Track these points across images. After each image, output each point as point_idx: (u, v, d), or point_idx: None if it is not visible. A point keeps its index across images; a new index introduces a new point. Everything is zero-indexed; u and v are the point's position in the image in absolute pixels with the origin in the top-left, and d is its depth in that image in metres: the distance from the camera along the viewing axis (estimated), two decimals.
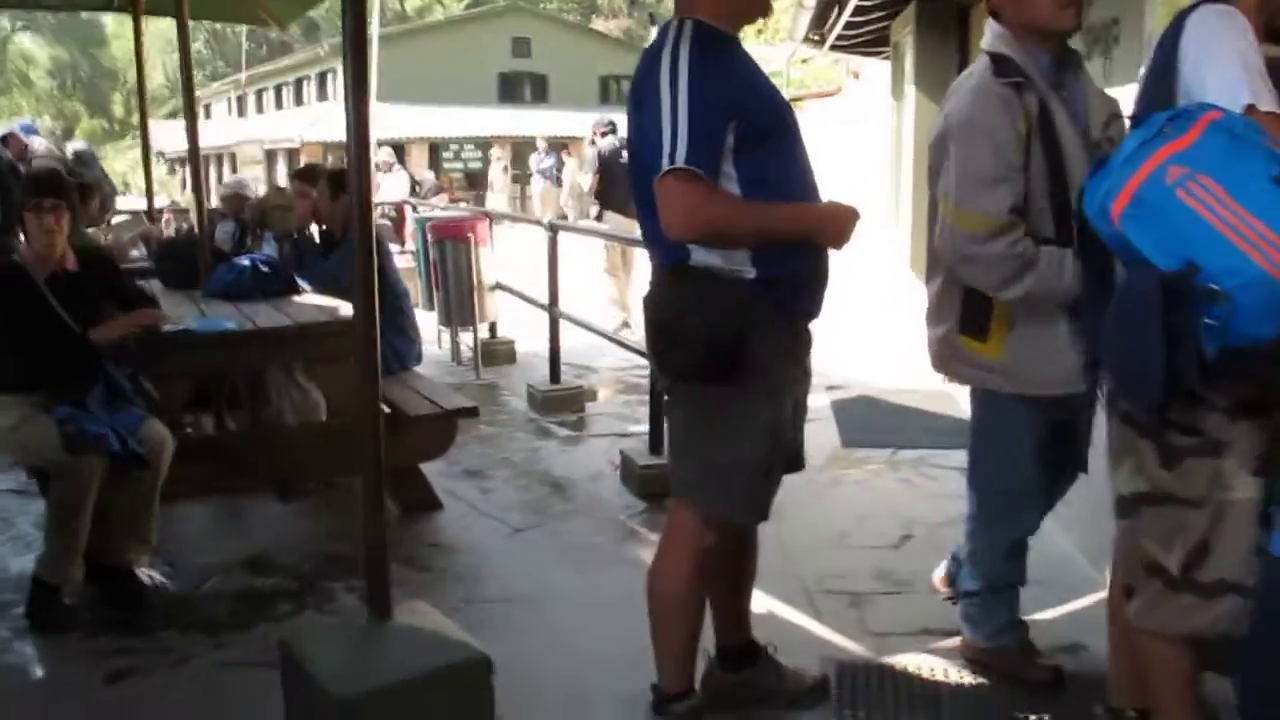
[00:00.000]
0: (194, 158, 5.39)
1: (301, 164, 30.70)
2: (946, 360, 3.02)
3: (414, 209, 11.61)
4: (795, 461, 2.76)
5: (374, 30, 19.29)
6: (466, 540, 4.50)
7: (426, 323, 8.23)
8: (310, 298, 4.96)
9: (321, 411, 4.97)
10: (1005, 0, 2.78)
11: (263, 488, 4.88)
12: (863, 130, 15.24)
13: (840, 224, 2.50)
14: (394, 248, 12.06)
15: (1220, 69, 2.27)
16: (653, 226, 2.45)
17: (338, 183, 5.33)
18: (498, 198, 23.63)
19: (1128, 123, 2.44)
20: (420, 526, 4.63)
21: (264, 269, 5.03)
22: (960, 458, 5.29)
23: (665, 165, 2.30)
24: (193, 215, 6.74)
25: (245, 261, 5.08)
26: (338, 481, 5.01)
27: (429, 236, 7.83)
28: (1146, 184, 2.13)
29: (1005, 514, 3.10)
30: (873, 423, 6.19)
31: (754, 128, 2.42)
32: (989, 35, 2.82)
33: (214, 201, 7.01)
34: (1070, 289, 2.70)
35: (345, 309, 4.67)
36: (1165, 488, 2.34)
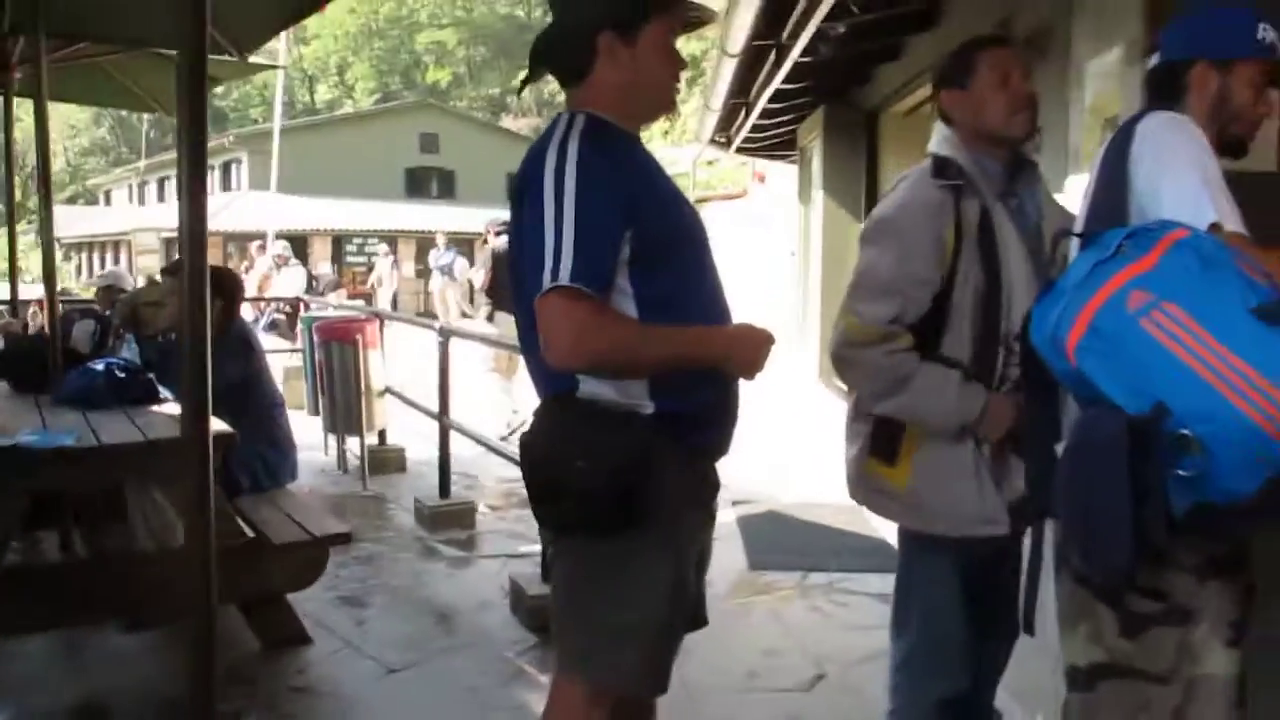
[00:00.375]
0: (48, 249, 4.94)
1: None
2: (856, 485, 2.74)
3: (306, 307, 11.12)
4: (698, 620, 2.38)
5: (276, 123, 18.95)
6: (335, 681, 4.01)
7: (313, 428, 7.80)
8: (171, 407, 4.50)
9: (178, 534, 4.47)
10: (955, 104, 2.60)
11: (106, 619, 4.35)
12: (767, 233, 15.19)
13: (752, 350, 2.13)
14: (286, 344, 11.63)
15: (1178, 182, 2.00)
16: (534, 350, 2.09)
17: (211, 283, 4.90)
18: (385, 294, 23.10)
19: (1075, 241, 2.15)
20: (284, 665, 4.14)
21: (120, 374, 4.57)
22: (873, 582, 5.04)
23: (547, 282, 1.95)
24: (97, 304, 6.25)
25: (100, 366, 4.61)
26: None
27: (315, 337, 7.39)
28: (1104, 311, 1.84)
29: (931, 668, 2.75)
30: (781, 542, 5.85)
31: (655, 238, 2.07)
32: (936, 138, 2.62)
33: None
34: (954, 416, 2.48)
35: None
36: (1127, 660, 2.02)
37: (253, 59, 6.47)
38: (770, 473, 7.11)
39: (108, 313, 5.62)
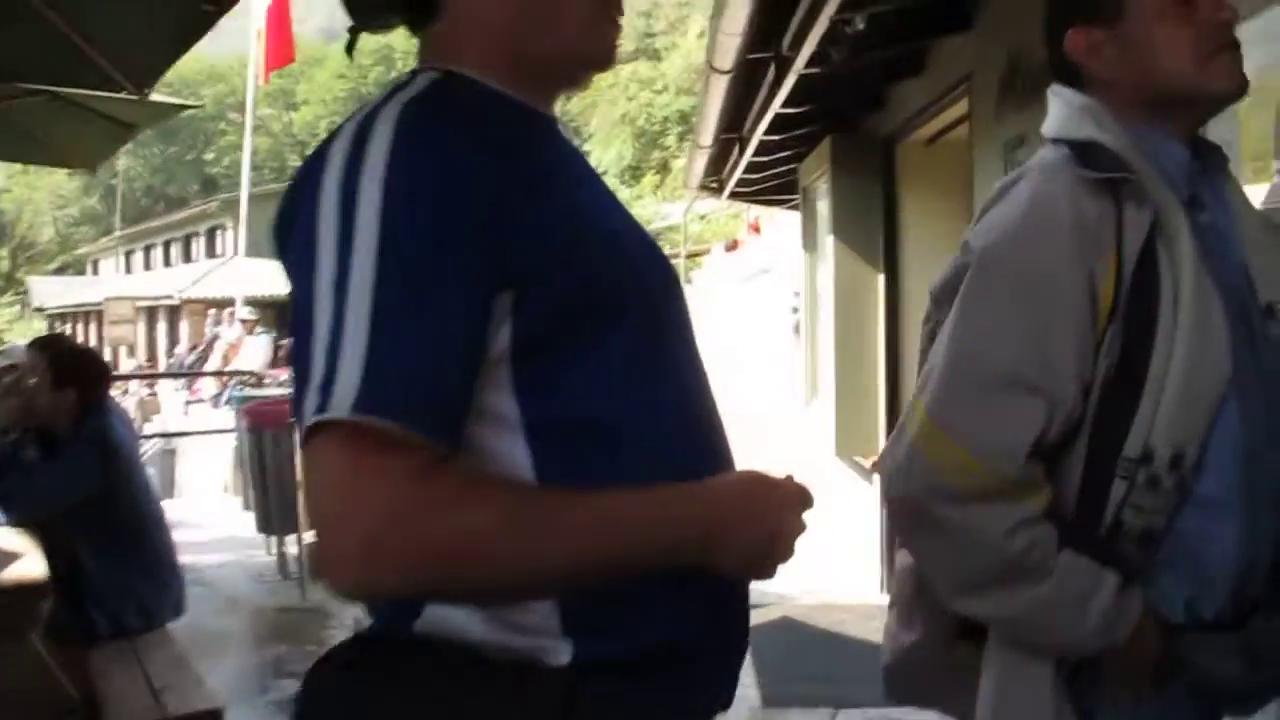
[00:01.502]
0: None
1: (184, 324, 28.40)
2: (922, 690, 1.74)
3: (254, 384, 10.08)
4: None
5: (244, 187, 18.06)
6: None
7: (247, 525, 6.77)
8: None
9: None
10: (1099, 48, 1.49)
11: None
12: (763, 288, 14.16)
13: (765, 524, 1.10)
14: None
15: None
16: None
17: (64, 366, 3.83)
18: None
19: None
20: None
21: None
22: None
23: (310, 410, 0.91)
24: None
25: None
26: None
27: (243, 423, 6.33)
28: None
29: None
30: (802, 665, 4.75)
31: (568, 301, 1.02)
32: (1061, 114, 1.51)
33: None
34: (1088, 640, 1.40)
35: (29, 563, 3.17)
36: None
37: (156, 98, 5.54)
38: (782, 567, 6.04)
39: None
